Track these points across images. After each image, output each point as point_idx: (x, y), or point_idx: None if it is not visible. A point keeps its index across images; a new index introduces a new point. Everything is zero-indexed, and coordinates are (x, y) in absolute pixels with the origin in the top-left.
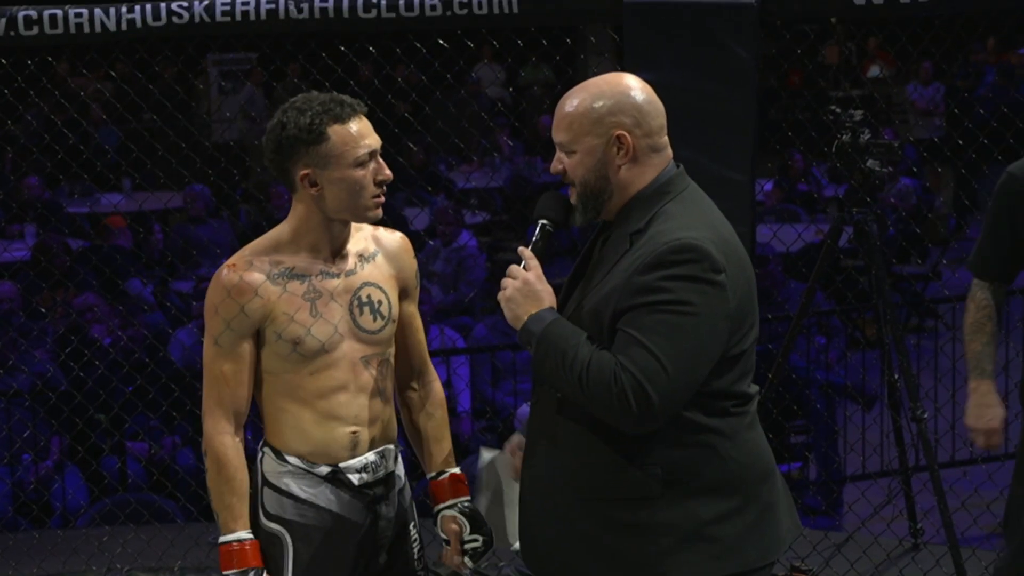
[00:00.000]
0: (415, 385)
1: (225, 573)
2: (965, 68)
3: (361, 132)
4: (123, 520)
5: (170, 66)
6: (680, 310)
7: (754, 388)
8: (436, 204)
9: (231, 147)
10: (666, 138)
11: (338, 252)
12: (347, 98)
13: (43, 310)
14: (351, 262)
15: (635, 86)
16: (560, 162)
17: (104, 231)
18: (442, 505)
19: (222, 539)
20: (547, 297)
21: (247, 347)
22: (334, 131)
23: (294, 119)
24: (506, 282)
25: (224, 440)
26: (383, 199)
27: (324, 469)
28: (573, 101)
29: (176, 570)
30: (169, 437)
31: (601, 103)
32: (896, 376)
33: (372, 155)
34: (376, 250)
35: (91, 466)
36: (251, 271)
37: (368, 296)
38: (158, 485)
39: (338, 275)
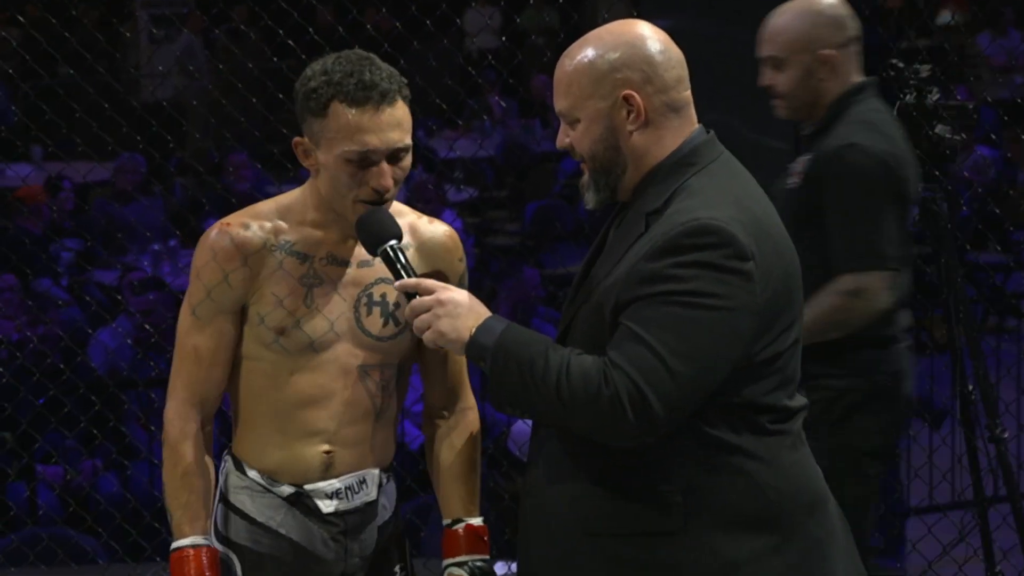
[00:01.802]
0: (445, 412)
1: None
2: None
3: (364, 126)
4: (32, 560)
5: (91, 10)
6: (693, 302)
7: (799, 401)
8: (413, 177)
9: (164, 108)
10: (688, 94)
11: (352, 234)
12: (383, 79)
13: None
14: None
15: (644, 33)
16: (566, 135)
17: (11, 208)
18: (450, 561)
19: (174, 544)
20: (481, 307)
21: (228, 323)
22: (335, 109)
23: (310, 75)
24: (425, 318)
25: (186, 428)
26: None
27: (287, 489)
28: (572, 59)
29: None
30: (89, 460)
31: (603, 58)
32: (971, 387)
33: (368, 156)
34: (409, 243)
35: None
36: (245, 234)
37: (383, 295)
38: (75, 518)
39: (349, 263)
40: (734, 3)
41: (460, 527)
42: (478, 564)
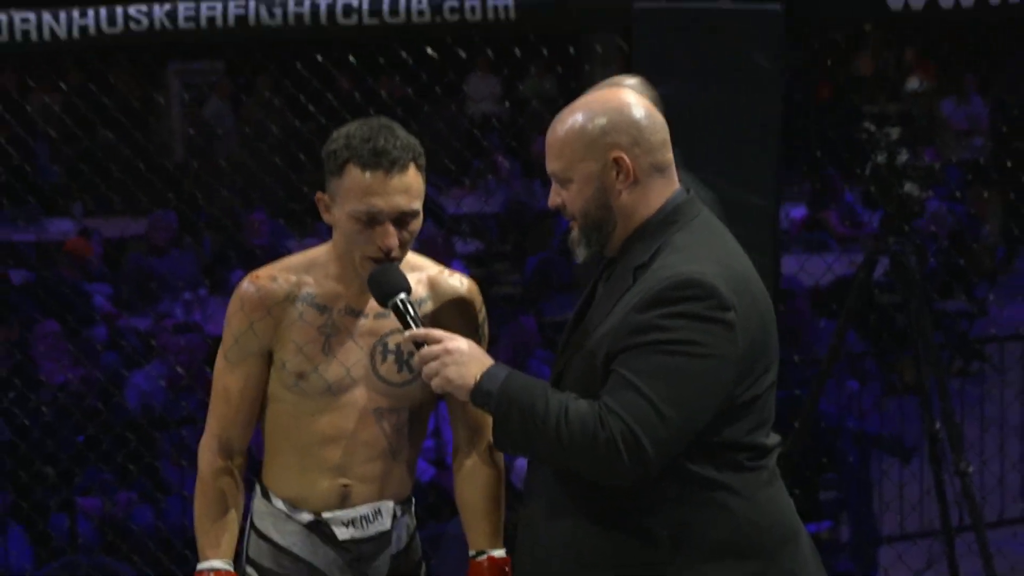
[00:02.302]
0: (466, 448)
1: None
2: (1013, 82)
3: (372, 189)
4: None
5: (127, 77)
6: (680, 350)
7: (773, 439)
8: (423, 232)
9: (195, 168)
10: (671, 156)
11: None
12: (396, 147)
13: None
14: None
15: (630, 101)
16: (558, 195)
17: (53, 260)
18: None
19: (198, 567)
20: (485, 356)
21: (255, 367)
22: (350, 172)
23: (335, 138)
24: (433, 365)
25: (215, 462)
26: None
27: (307, 517)
28: (563, 125)
29: None
30: (125, 493)
31: (593, 123)
32: (938, 425)
33: (375, 217)
34: (426, 296)
35: (37, 525)
36: (271, 286)
37: (397, 345)
38: (112, 547)
39: (365, 314)
40: (720, 71)
41: (484, 559)
42: None
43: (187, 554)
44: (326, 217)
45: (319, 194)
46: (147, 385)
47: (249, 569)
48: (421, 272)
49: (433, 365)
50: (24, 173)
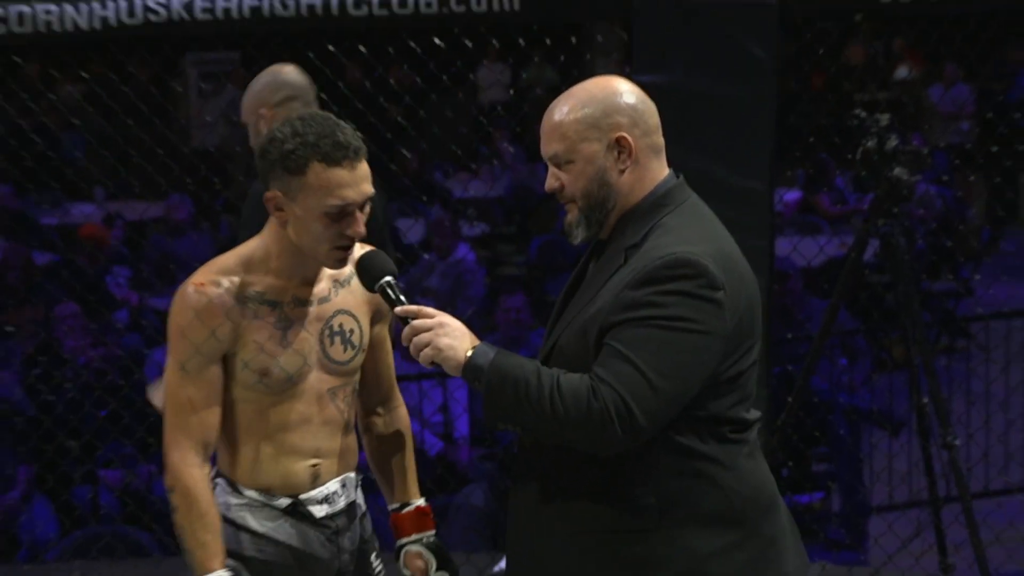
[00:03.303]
0: (380, 410)
1: None
2: (999, 69)
3: (344, 180)
4: (95, 554)
5: (146, 67)
6: (672, 325)
7: (754, 414)
8: (431, 215)
9: (211, 154)
10: (662, 140)
11: (312, 278)
12: (349, 138)
13: (9, 328)
14: (325, 287)
15: (624, 87)
16: (556, 178)
17: (75, 243)
18: (405, 540)
19: None
20: (473, 335)
21: (215, 372)
22: (314, 169)
23: (283, 138)
24: (425, 336)
25: (193, 473)
26: (349, 253)
27: (284, 501)
28: (563, 109)
29: None
30: (144, 465)
31: (594, 107)
32: (925, 400)
33: (346, 208)
34: (351, 273)
35: (61, 496)
36: (220, 292)
37: (340, 325)
38: (132, 517)
39: (310, 302)
40: (717, 60)
41: (409, 509)
42: (431, 538)
43: None
44: (277, 216)
45: (269, 194)
46: (166, 362)
47: (230, 561)
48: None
49: (425, 336)
50: (48, 159)
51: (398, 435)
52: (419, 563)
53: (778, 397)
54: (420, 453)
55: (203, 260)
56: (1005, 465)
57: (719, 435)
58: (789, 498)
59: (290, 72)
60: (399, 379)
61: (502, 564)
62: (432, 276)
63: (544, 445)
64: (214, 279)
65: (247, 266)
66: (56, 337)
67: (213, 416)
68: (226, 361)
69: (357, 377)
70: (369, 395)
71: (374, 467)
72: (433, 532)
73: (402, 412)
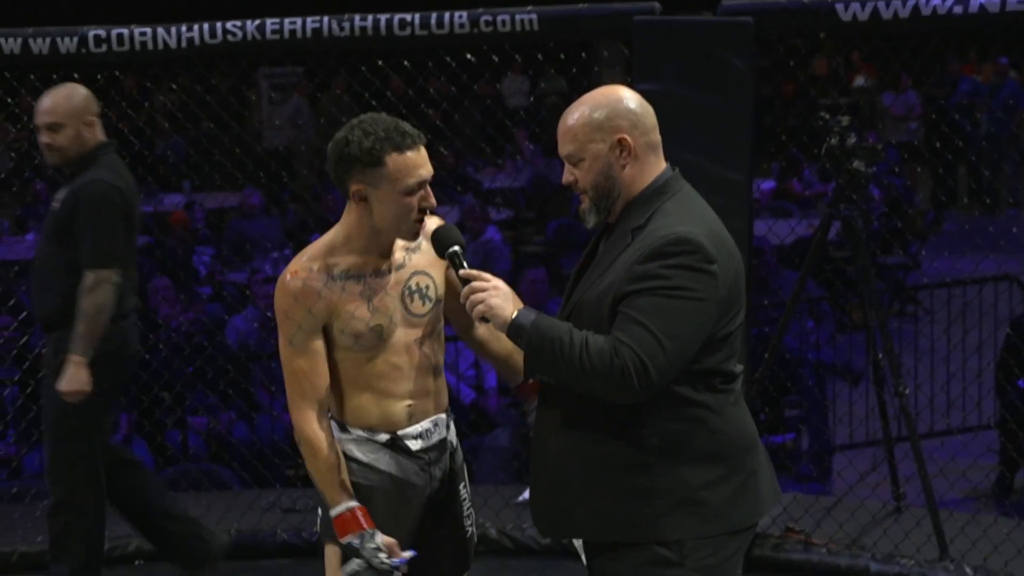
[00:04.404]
0: (483, 331)
1: (344, 539)
2: (942, 79)
3: (416, 162)
4: (185, 487)
5: (225, 79)
6: (676, 294)
7: (739, 368)
8: (465, 203)
9: (280, 152)
10: (659, 138)
11: (387, 251)
12: (409, 128)
13: None
14: (399, 256)
15: (626, 95)
16: (571, 174)
17: (166, 227)
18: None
19: (334, 512)
20: (518, 299)
21: (318, 342)
22: (391, 158)
23: (358, 139)
24: (480, 295)
25: (313, 428)
26: (424, 222)
27: (384, 436)
28: (574, 115)
29: (232, 532)
30: (225, 413)
31: (599, 112)
32: (880, 356)
33: (421, 184)
34: (420, 238)
35: (156, 439)
36: (312, 276)
37: (417, 284)
38: (216, 456)
39: (389, 271)
40: (703, 72)
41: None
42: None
43: (276, 461)
44: (360, 206)
45: (356, 187)
46: (243, 326)
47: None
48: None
49: (480, 295)
50: (143, 157)
51: (498, 335)
52: None
53: (756, 354)
54: (455, 401)
55: (273, 241)
56: (947, 410)
57: (711, 385)
58: (765, 438)
59: (44, 98)
60: None
61: (526, 494)
62: (466, 254)
63: (563, 396)
64: (305, 266)
65: (331, 250)
66: (151, 306)
67: (322, 379)
68: (326, 331)
69: (440, 325)
70: (464, 319)
71: (493, 363)
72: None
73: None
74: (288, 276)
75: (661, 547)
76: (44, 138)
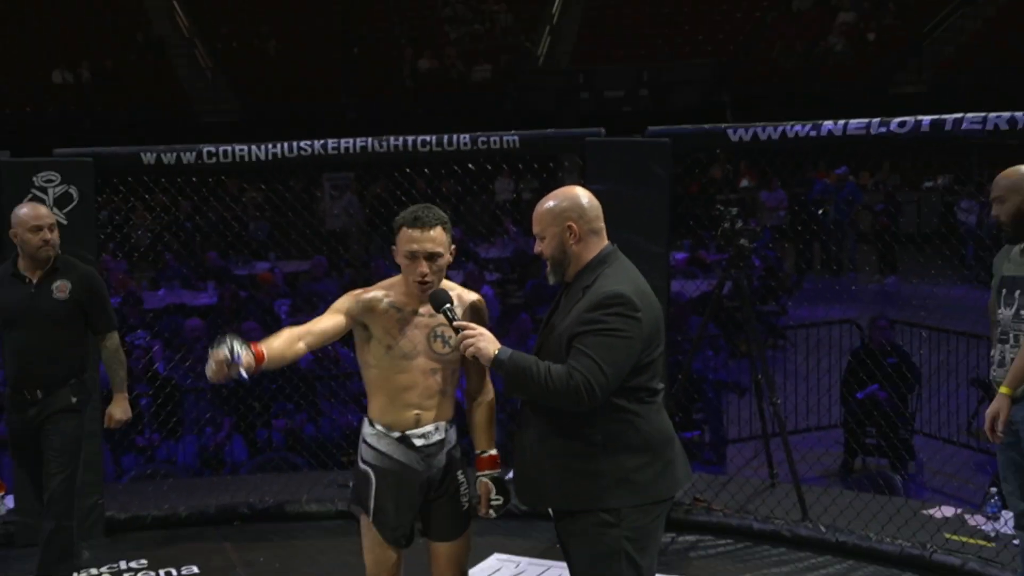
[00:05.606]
0: (475, 394)
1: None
2: (802, 181)
3: (413, 237)
4: (269, 470)
5: (299, 181)
6: (612, 334)
7: (660, 385)
8: (468, 268)
9: (337, 232)
10: (603, 224)
11: (426, 300)
12: (426, 215)
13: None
14: (430, 308)
15: (580, 193)
16: (539, 246)
17: (257, 286)
18: (480, 473)
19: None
20: (497, 341)
21: (343, 319)
22: (402, 231)
23: (399, 216)
24: (470, 340)
25: (297, 338)
26: (426, 286)
27: (396, 433)
28: (541, 206)
29: (303, 501)
30: (299, 416)
31: (558, 205)
32: (759, 376)
33: (415, 255)
34: (457, 304)
35: (249, 435)
36: (368, 291)
37: (442, 332)
38: (292, 447)
39: (423, 315)
40: (635, 176)
41: (485, 455)
42: (495, 474)
43: (334, 451)
44: (397, 259)
45: (393, 247)
46: (310, 356)
47: (364, 466)
48: (454, 291)
49: (469, 341)
50: (241, 236)
51: (485, 409)
52: (485, 488)
53: (672, 375)
54: (459, 407)
55: (334, 297)
56: (806, 415)
57: (639, 398)
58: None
59: (37, 207)
60: None
61: (511, 474)
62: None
63: (537, 406)
64: (368, 289)
65: (390, 287)
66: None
67: (318, 327)
68: (368, 330)
69: (456, 364)
70: (472, 383)
71: (469, 426)
72: (499, 471)
73: (489, 396)
74: (352, 291)
75: (605, 513)
76: (44, 235)
